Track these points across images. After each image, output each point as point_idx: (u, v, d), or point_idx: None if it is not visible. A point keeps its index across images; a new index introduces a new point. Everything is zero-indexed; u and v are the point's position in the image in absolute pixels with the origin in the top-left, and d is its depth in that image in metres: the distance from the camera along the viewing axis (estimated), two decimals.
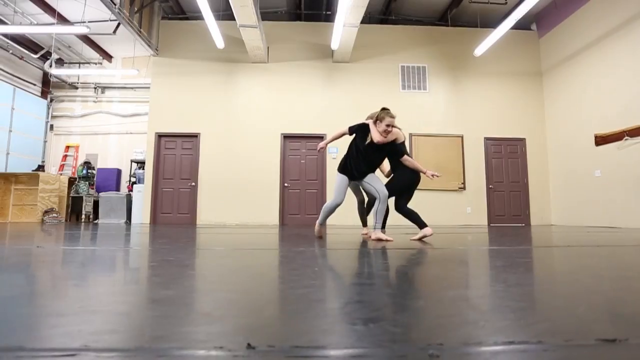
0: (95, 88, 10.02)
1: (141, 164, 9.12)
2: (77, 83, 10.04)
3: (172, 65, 8.07)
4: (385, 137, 3.12)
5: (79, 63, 10.13)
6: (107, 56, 9.95)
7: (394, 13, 8.48)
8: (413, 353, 0.60)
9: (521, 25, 8.45)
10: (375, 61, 8.26)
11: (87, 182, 8.61)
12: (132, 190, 8.51)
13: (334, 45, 7.03)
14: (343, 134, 3.31)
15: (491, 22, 8.53)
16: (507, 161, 8.15)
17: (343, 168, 3.25)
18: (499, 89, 8.34)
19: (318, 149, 3.45)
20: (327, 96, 8.14)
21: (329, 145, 7.90)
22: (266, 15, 8.36)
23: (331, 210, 3.23)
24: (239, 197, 7.78)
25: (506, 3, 7.43)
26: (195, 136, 7.92)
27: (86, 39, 9.01)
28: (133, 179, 9.02)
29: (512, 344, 0.63)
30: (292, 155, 8.02)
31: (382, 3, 8.38)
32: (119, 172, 9.53)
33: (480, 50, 7.43)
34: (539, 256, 2.01)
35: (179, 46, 8.14)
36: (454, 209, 7.94)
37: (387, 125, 3.09)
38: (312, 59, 8.25)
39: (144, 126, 9.79)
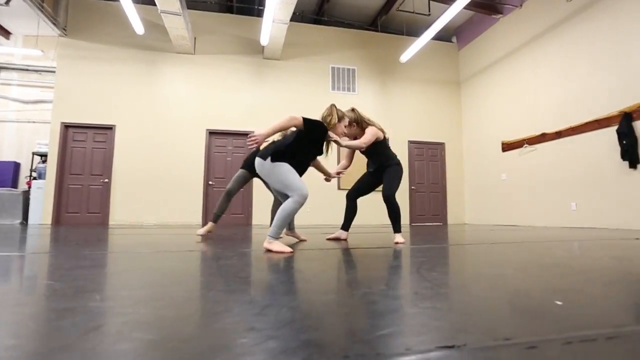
0: None
1: (46, 157, 8.11)
2: None
3: (84, 48, 7.26)
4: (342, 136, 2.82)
5: None
6: (4, 32, 8.68)
7: (327, 14, 8.54)
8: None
9: (443, 37, 9.04)
10: (306, 60, 8.24)
11: None
12: (30, 186, 7.52)
13: (264, 41, 6.86)
14: (293, 126, 2.41)
15: (417, 31, 8.99)
16: (428, 164, 8.64)
17: (289, 158, 2.41)
18: (423, 95, 8.81)
19: (254, 140, 2.27)
20: (256, 93, 7.93)
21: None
22: (194, 4, 7.92)
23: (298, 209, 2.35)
24: (158, 195, 7.25)
25: (429, 14, 7.86)
26: (109, 128, 7.21)
27: None
28: (34, 174, 7.99)
29: (408, 351, 0.57)
30: (218, 152, 7.68)
31: (315, 3, 8.39)
32: (16, 165, 8.35)
33: (405, 56, 7.77)
34: (454, 254, 2.08)
35: (92, 28, 7.35)
36: (379, 209, 8.20)
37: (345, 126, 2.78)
38: (242, 53, 7.98)
39: (50, 115, 8.73)
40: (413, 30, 8.88)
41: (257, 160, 2.45)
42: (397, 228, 3.11)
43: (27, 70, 8.81)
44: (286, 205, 2.28)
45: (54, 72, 8.66)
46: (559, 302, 0.95)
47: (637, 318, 0.84)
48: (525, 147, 6.95)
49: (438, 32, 7.22)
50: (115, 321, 0.78)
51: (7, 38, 8.80)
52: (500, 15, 7.60)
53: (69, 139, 7.08)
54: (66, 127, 7.05)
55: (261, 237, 3.64)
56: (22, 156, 8.51)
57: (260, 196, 7.58)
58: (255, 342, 0.64)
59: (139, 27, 6.37)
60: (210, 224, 3.53)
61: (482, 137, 8.26)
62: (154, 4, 7.48)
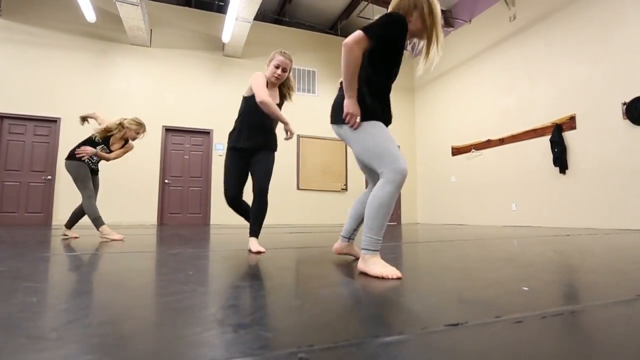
0: None
1: None
2: None
3: (23, 32, 6.66)
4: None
5: None
6: None
7: (288, 15, 8.59)
8: (282, 358, 0.58)
9: None
10: (266, 59, 8.21)
11: None
12: None
13: (225, 38, 6.77)
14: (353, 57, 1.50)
15: None
16: None
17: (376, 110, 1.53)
18: None
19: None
20: (216, 90, 7.78)
21: (215, 142, 7.66)
22: None
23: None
24: (110, 193, 6.84)
25: None
26: (54, 121, 6.69)
27: None
28: None
29: (378, 337, 0.67)
30: (175, 150, 7.44)
31: (277, 3, 8.42)
32: None
33: None
34: (406, 252, 2.25)
35: (32, 10, 6.76)
36: (336, 209, 8.42)
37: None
38: (201, 49, 7.79)
39: None
40: None
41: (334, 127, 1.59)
42: (258, 231, 2.36)
43: None
44: (379, 192, 1.40)
45: None
46: (525, 288, 1.13)
47: (584, 297, 1.03)
48: (473, 152, 7.51)
49: None
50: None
51: None
52: (452, 28, 8.14)
53: (4, 131, 6.47)
54: (1, 117, 6.43)
55: (219, 237, 3.64)
56: None
57: (219, 196, 7.44)
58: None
59: (90, 15, 6.00)
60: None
61: (434, 142, 8.78)
62: None
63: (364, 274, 1.38)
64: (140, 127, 3.36)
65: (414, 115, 9.51)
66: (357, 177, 8.71)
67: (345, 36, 9.03)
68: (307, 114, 8.39)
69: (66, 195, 6.62)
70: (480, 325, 0.75)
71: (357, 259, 1.76)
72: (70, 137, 6.80)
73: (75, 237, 3.40)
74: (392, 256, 2.01)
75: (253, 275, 1.42)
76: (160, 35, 7.52)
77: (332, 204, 8.40)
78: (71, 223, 3.44)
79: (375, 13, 8.07)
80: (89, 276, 1.38)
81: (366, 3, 7.54)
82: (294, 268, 1.64)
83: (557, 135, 5.91)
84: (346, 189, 8.55)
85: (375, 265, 1.36)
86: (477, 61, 7.58)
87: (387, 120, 1.59)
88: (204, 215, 7.45)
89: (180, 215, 7.30)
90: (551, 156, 6.01)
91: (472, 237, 3.64)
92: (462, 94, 7.96)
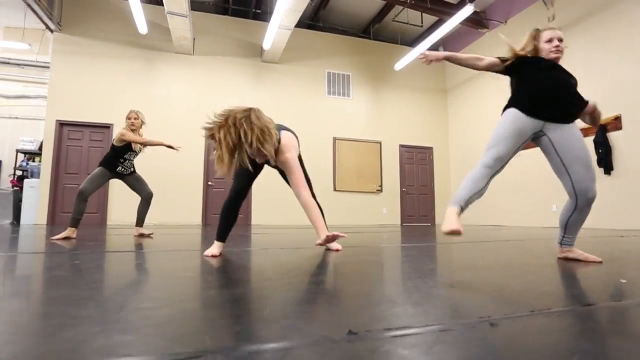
0: None
1: (31, 155, 7.83)
2: None
3: (80, 44, 7.10)
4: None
5: None
6: None
7: (322, 20, 8.79)
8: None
9: (430, 47, 9.53)
10: (303, 65, 8.45)
11: None
12: (17, 186, 7.27)
13: (266, 45, 7.02)
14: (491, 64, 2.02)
15: (406, 40, 9.44)
16: (417, 167, 9.10)
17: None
18: (412, 101, 9.25)
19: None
20: (255, 95, 8.05)
21: None
22: (193, 4, 7.93)
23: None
24: (157, 195, 7.17)
25: (422, 26, 8.30)
26: (107, 127, 7.10)
27: None
28: (19, 172, 7.70)
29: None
30: None
31: (311, 9, 8.62)
32: None
33: (400, 65, 8.17)
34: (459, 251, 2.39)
35: (87, 24, 7.20)
36: (371, 210, 8.56)
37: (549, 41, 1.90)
38: (240, 55, 8.08)
39: (35, 111, 8.43)
40: (404, 40, 9.30)
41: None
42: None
43: (8, 63, 8.47)
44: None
45: (39, 66, 8.40)
46: (623, 280, 1.27)
47: None
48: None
49: (426, 42, 7.67)
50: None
51: None
52: (486, 29, 8.16)
53: (64, 137, 6.91)
54: (61, 124, 6.88)
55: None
56: (4, 153, 8.19)
57: (260, 196, 7.71)
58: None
59: (142, 27, 6.35)
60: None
61: (467, 142, 8.80)
62: (155, 3, 7.48)
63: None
64: (130, 113, 3.55)
65: (447, 116, 9.55)
66: (391, 178, 8.83)
67: (379, 40, 9.21)
68: (342, 116, 8.57)
69: (119, 196, 7.01)
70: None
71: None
72: None
73: (149, 235, 3.66)
74: (429, 255, 2.16)
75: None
76: (202, 43, 7.84)
77: (367, 205, 8.54)
78: (140, 221, 3.69)
79: (410, 18, 8.18)
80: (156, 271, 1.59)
81: (401, 8, 7.64)
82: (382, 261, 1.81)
83: (602, 136, 5.88)
84: (381, 190, 8.68)
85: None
86: None
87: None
88: (245, 216, 7.72)
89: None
90: (595, 157, 5.98)
91: (520, 237, 3.73)
92: (497, 95, 7.96)
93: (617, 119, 5.76)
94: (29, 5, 6.29)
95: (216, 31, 7.99)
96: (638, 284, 1.20)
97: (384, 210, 8.64)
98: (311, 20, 8.92)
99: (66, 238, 3.06)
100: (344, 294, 1.07)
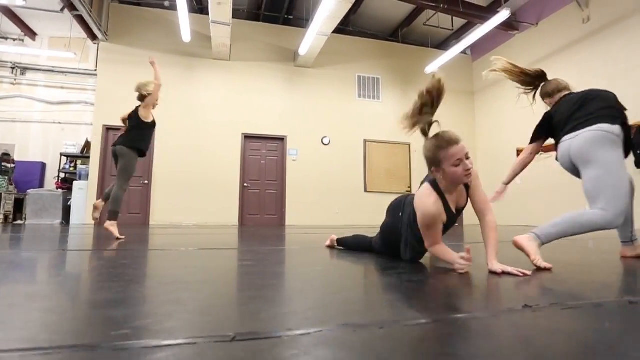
0: (13, 68, 8.69)
1: (73, 158, 8.19)
2: None
3: (124, 53, 7.44)
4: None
5: None
6: (31, 33, 8.72)
7: (352, 25, 8.97)
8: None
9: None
10: (334, 69, 8.65)
11: (5, 177, 7.47)
12: (61, 187, 7.63)
13: (303, 50, 7.23)
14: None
15: (435, 43, 9.55)
16: None
17: None
18: (440, 103, 9.33)
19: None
20: (288, 99, 8.28)
21: (289, 148, 8.16)
22: None
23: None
24: (196, 196, 7.49)
25: (452, 29, 8.41)
26: None
27: (6, 11, 7.82)
28: (62, 175, 8.08)
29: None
30: (253, 155, 7.99)
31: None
32: (43, 166, 8.41)
33: (430, 68, 8.30)
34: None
35: (132, 33, 7.54)
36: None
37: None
38: (274, 61, 8.31)
39: (77, 116, 8.79)
40: (433, 42, 9.42)
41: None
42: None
43: (53, 71, 8.86)
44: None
45: (82, 74, 8.77)
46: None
47: None
48: (541, 154, 7.54)
49: (453, 44, 7.78)
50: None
51: (34, 39, 8.84)
52: (516, 31, 8.22)
53: (110, 141, 7.24)
54: (107, 129, 7.21)
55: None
56: (48, 157, 8.57)
57: (294, 197, 7.90)
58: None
59: (186, 35, 6.63)
60: None
61: (496, 144, 8.86)
62: (195, 11, 7.78)
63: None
64: (146, 87, 3.47)
65: (474, 118, 9.62)
66: (421, 179, 8.92)
67: (407, 43, 9.34)
68: (372, 119, 8.73)
69: (160, 198, 7.30)
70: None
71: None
72: (162, 145, 7.51)
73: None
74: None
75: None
76: (238, 50, 8.10)
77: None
78: (108, 196, 3.31)
79: (441, 22, 8.30)
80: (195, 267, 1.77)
81: (433, 12, 7.77)
82: None
83: (639, 137, 5.91)
84: (410, 191, 8.81)
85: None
86: (545, 64, 7.61)
87: None
88: (279, 217, 7.94)
89: (258, 216, 7.83)
90: (632, 157, 6.01)
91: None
92: (524, 98, 8.00)
93: None
94: (80, 17, 6.62)
95: (251, 37, 8.24)
96: None
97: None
98: (341, 25, 9.11)
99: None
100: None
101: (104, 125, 7.19)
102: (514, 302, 0.96)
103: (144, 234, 4.28)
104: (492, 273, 1.36)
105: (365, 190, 8.48)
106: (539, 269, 1.46)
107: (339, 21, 6.42)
